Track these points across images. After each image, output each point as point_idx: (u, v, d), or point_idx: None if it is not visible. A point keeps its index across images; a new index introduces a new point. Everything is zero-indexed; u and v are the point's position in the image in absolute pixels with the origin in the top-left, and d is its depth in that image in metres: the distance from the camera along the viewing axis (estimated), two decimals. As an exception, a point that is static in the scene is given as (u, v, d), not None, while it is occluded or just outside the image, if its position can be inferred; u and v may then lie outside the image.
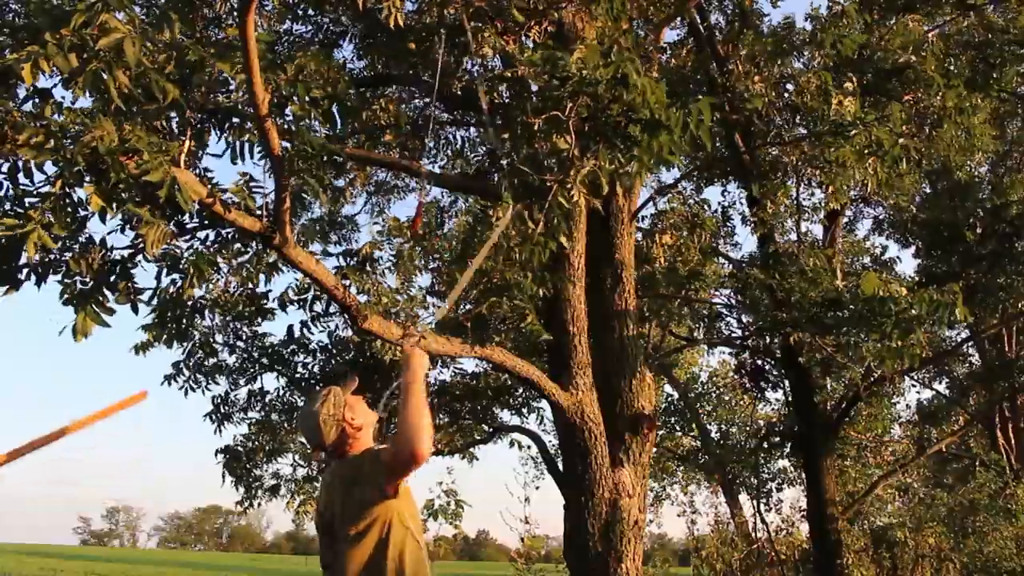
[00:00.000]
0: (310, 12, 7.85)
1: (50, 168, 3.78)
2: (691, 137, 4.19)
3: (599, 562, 6.46)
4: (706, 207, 10.42)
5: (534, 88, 4.97)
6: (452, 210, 10.71)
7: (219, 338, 7.14)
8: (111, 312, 4.18)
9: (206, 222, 4.51)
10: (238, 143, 4.34)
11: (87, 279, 4.14)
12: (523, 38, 6.45)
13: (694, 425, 17.22)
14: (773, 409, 17.02)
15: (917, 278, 11.77)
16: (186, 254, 4.58)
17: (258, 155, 4.39)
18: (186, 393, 6.92)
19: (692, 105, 4.16)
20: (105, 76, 3.34)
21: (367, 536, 2.71)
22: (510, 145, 4.96)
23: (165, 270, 4.52)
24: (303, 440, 2.90)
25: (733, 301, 11.45)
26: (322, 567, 2.90)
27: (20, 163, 3.76)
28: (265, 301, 6.26)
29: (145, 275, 4.67)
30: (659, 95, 4.10)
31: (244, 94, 4.14)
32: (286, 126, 4.32)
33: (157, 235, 3.89)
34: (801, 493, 14.41)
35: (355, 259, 5.95)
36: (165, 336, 5.25)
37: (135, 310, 4.41)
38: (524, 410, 9.08)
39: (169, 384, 6.96)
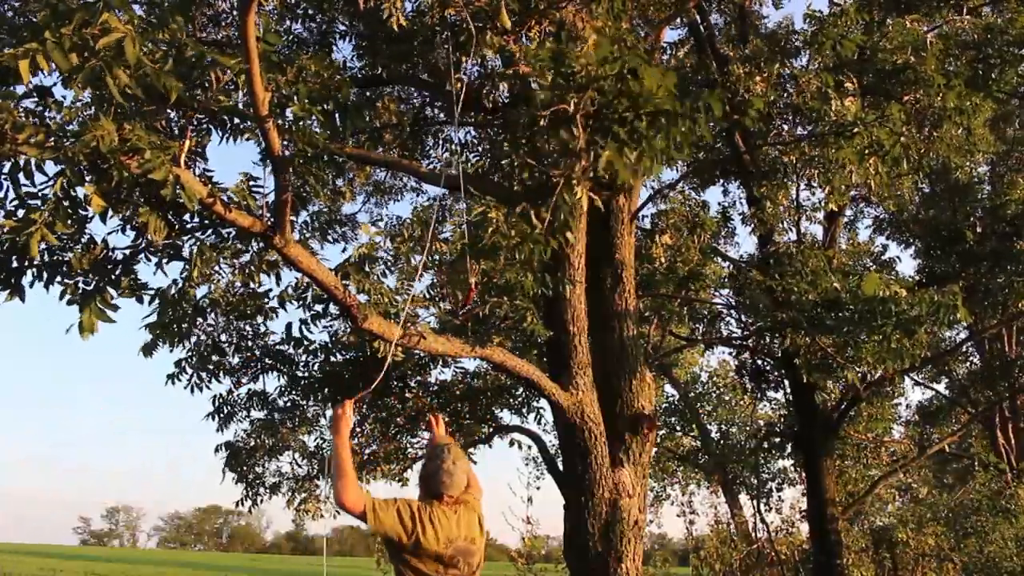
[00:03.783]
0: (309, 12, 7.84)
1: (51, 168, 3.79)
2: (693, 129, 4.16)
3: (599, 562, 6.46)
4: (707, 208, 10.44)
5: (536, 86, 4.94)
6: (455, 209, 10.71)
7: (223, 337, 7.13)
8: (115, 308, 4.20)
9: (206, 222, 4.52)
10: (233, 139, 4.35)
11: (90, 278, 4.15)
12: (524, 38, 6.44)
13: (694, 425, 17.24)
14: (773, 409, 17.03)
15: (917, 278, 11.77)
16: (188, 244, 4.59)
17: (258, 155, 4.40)
18: (192, 391, 6.91)
19: (702, 99, 4.17)
20: (105, 75, 3.33)
21: (479, 546, 3.83)
22: (510, 145, 4.95)
23: (167, 259, 4.53)
24: (436, 487, 3.65)
25: (733, 301, 11.44)
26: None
27: (21, 164, 3.75)
28: (267, 300, 6.26)
29: (148, 273, 4.72)
30: (668, 85, 4.08)
31: (245, 94, 4.14)
32: (287, 126, 4.32)
33: (158, 222, 3.91)
34: (801, 493, 14.43)
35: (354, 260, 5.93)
36: (167, 336, 5.24)
37: (140, 301, 4.43)
38: (524, 410, 9.07)
39: (172, 383, 6.94)
